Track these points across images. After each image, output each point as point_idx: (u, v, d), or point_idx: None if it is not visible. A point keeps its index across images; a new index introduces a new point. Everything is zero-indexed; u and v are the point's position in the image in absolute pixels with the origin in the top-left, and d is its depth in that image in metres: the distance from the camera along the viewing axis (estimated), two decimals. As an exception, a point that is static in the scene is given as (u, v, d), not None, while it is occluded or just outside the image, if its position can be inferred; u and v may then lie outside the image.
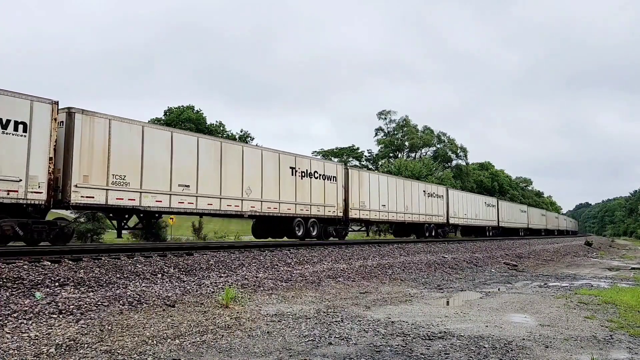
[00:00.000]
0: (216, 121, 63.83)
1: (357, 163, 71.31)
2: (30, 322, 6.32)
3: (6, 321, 6.23)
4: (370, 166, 70.64)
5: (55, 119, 12.79)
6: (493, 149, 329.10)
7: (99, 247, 14.35)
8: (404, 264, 16.56)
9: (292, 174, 20.50)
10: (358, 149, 74.02)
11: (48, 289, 7.87)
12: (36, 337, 5.78)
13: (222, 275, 11.04)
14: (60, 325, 6.37)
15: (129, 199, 14.13)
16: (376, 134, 75.82)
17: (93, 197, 13.30)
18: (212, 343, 5.99)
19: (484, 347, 6.02)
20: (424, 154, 74.56)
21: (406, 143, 73.35)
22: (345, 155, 71.62)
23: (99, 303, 7.56)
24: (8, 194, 11.83)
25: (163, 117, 60.19)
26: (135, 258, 11.17)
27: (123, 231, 16.34)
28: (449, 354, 5.71)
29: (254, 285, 10.60)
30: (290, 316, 7.81)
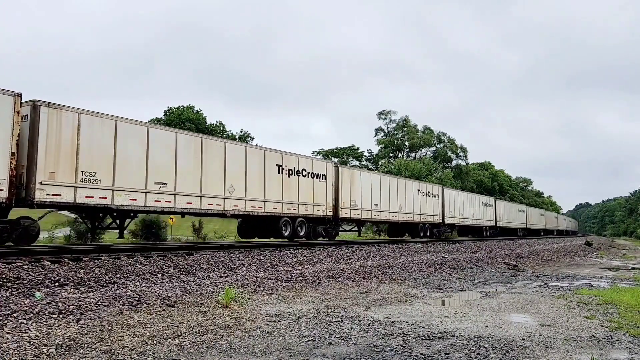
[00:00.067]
0: (216, 121, 63.80)
1: (357, 163, 71.29)
2: (30, 322, 6.32)
3: (6, 321, 6.23)
4: (370, 166, 70.60)
5: (19, 112, 12.14)
6: (493, 149, 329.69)
7: (99, 247, 14.34)
8: (404, 264, 16.56)
9: (279, 172, 19.82)
10: (358, 149, 73.98)
11: (48, 289, 7.87)
12: (36, 337, 5.78)
13: (222, 275, 11.04)
14: (60, 325, 6.37)
15: (100, 197, 13.44)
16: (376, 134, 75.83)
17: (60, 195, 12.67)
18: (212, 343, 5.99)
19: (484, 347, 6.02)
20: (424, 154, 74.53)
21: (406, 143, 73.30)
22: (345, 155, 71.55)
23: (99, 303, 7.56)
24: None
25: (163, 117, 60.14)
26: (135, 258, 11.16)
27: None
28: (449, 354, 5.71)
29: (254, 285, 10.60)
30: (290, 316, 7.81)
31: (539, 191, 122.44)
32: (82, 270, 9.22)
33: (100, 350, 5.49)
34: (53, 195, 12.60)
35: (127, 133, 14.26)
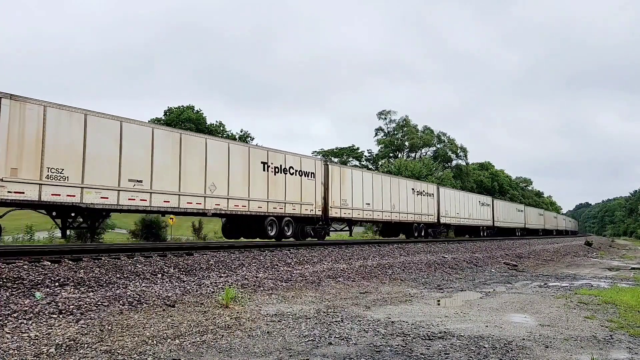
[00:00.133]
0: (216, 121, 63.78)
1: (357, 163, 71.28)
2: (30, 322, 6.32)
3: (6, 321, 6.23)
4: (370, 166, 70.59)
5: None
6: (493, 149, 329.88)
7: (99, 247, 14.35)
8: (404, 264, 16.56)
9: (264, 170, 19.07)
10: (358, 149, 73.98)
11: (48, 289, 7.87)
12: (36, 337, 5.78)
13: (222, 275, 11.04)
14: (60, 325, 6.37)
15: (67, 195, 12.72)
16: (376, 134, 75.81)
17: (23, 193, 12.03)
18: (212, 343, 5.99)
19: (484, 347, 6.02)
20: (424, 154, 74.51)
21: (406, 143, 73.29)
22: (345, 155, 71.57)
23: (99, 303, 7.56)
24: None
25: (163, 117, 60.16)
26: (135, 258, 11.17)
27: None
28: (449, 354, 5.71)
29: (254, 285, 10.60)
30: (290, 316, 7.81)
31: (539, 191, 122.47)
32: (82, 270, 9.22)
33: (100, 350, 5.49)
34: (15, 192, 11.95)
35: (98, 128, 13.54)
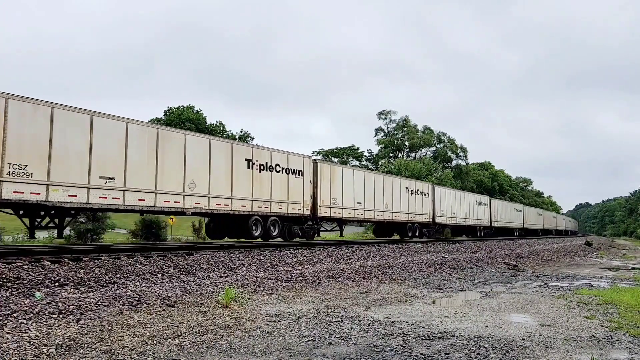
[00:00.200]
0: (216, 121, 63.81)
1: (357, 163, 71.30)
2: (30, 322, 6.32)
3: (6, 321, 6.23)
4: (370, 166, 70.61)
5: None
6: (493, 149, 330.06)
7: (99, 247, 14.36)
8: (404, 264, 16.56)
9: (249, 167, 18.33)
10: (358, 149, 74.02)
11: (48, 289, 7.87)
12: (36, 337, 5.78)
13: (222, 275, 11.05)
14: (60, 325, 6.38)
15: (31, 193, 12.08)
16: (376, 134, 75.84)
17: None
18: (212, 343, 5.99)
19: (484, 347, 6.02)
20: (424, 154, 74.51)
21: (406, 143, 73.31)
22: (345, 155, 71.60)
23: (99, 303, 7.56)
24: None
25: (163, 117, 60.20)
26: (135, 258, 11.17)
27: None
28: (449, 354, 5.71)
29: (254, 285, 10.60)
30: (290, 316, 7.81)
31: (539, 191, 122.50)
32: (82, 270, 9.22)
33: (100, 350, 5.49)
34: None
35: (66, 122, 12.87)
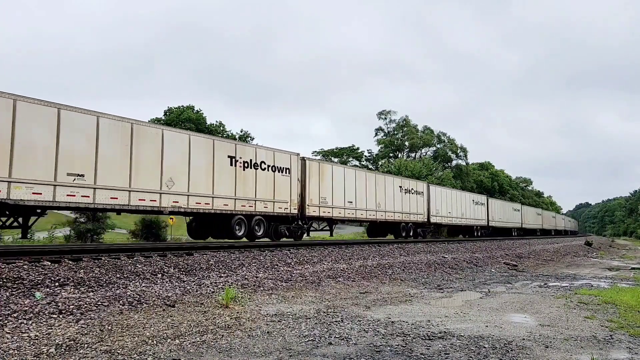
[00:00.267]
0: (216, 121, 63.77)
1: (357, 163, 71.28)
2: (30, 322, 6.32)
3: (6, 321, 6.23)
4: (370, 166, 70.61)
5: None
6: (493, 149, 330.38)
7: (99, 247, 14.35)
8: (404, 264, 16.56)
9: (232, 164, 17.66)
10: (358, 149, 74.01)
11: (48, 289, 7.87)
12: (36, 337, 5.78)
13: (222, 275, 11.05)
14: (60, 325, 6.38)
15: None
16: (376, 134, 75.81)
17: None
18: (212, 343, 5.99)
19: (484, 347, 6.02)
20: (424, 154, 74.49)
21: (406, 143, 73.29)
22: (345, 155, 71.60)
23: (99, 303, 7.56)
24: None
25: (163, 117, 60.20)
26: (135, 258, 11.17)
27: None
28: (449, 354, 5.71)
29: (254, 285, 10.60)
30: (290, 316, 7.81)
31: (539, 191, 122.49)
32: (82, 270, 9.23)
33: (100, 350, 5.49)
34: None
35: (30, 115, 12.21)
